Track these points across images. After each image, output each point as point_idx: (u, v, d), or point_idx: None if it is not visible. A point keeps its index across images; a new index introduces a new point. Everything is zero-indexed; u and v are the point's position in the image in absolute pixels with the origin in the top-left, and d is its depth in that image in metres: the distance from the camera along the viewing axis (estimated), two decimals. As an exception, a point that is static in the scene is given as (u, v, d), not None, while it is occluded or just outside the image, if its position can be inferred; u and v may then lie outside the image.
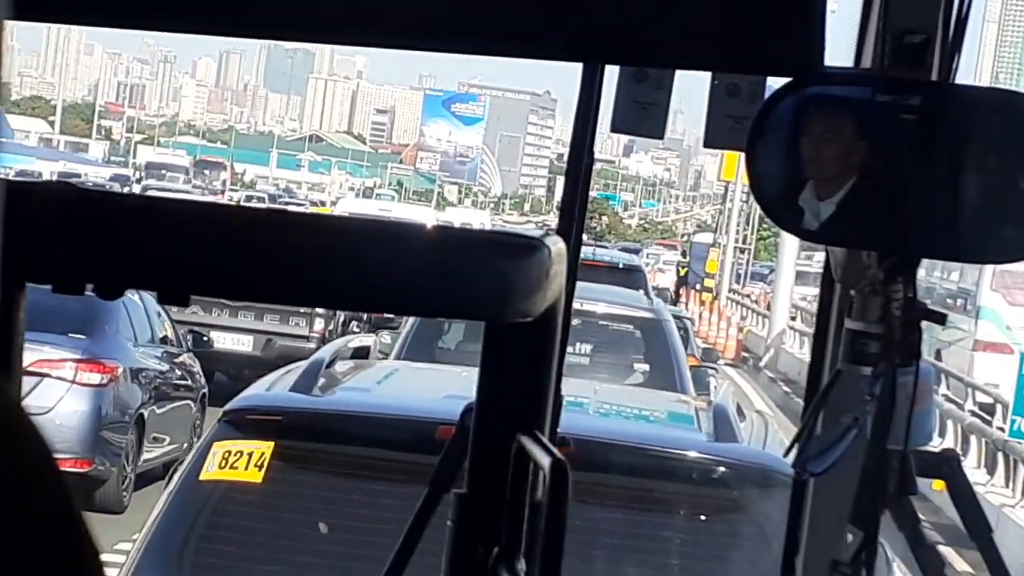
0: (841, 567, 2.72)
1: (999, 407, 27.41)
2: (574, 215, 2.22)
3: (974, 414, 28.36)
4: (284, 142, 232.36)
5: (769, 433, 7.08)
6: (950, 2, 2.69)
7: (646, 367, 14.46)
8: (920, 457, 2.66)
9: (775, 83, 2.70)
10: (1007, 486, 23.20)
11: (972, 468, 23.98)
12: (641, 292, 20.25)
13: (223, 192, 78.04)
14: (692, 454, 6.22)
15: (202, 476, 5.94)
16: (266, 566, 5.90)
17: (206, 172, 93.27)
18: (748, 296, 58.71)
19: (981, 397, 30.33)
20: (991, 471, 24.36)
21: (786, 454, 2.83)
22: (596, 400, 7.41)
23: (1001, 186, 2.58)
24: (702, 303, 54.45)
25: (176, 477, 6.15)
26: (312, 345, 17.55)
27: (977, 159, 2.58)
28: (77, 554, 0.94)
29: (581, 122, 2.41)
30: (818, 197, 2.58)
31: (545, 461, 1.54)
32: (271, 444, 5.93)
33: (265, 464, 5.89)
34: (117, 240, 1.46)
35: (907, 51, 2.72)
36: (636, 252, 57.92)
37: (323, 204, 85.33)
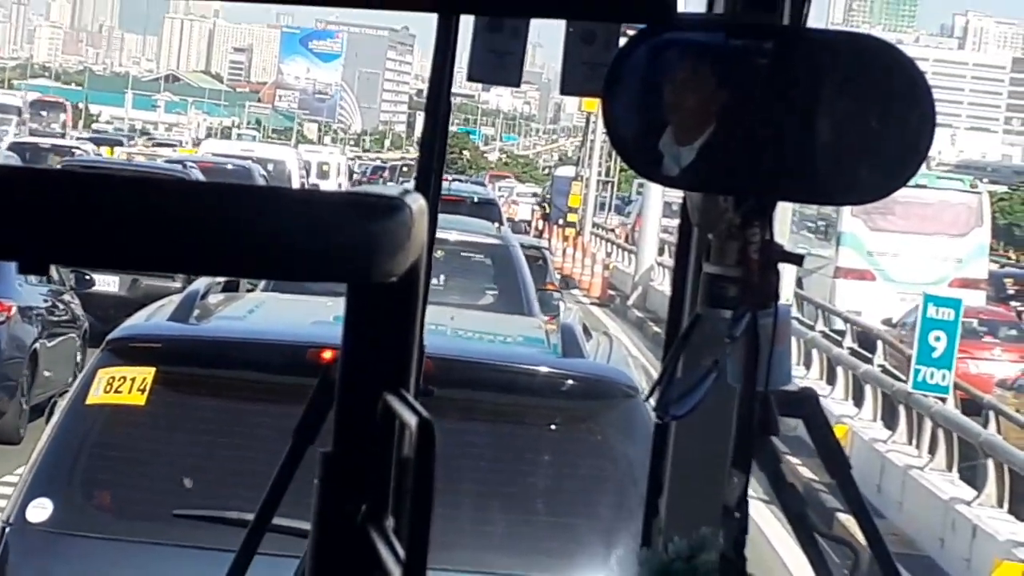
0: (731, 511, 2.74)
1: (880, 344, 27.13)
2: (432, 171, 2.22)
3: (853, 352, 27.72)
4: (140, 83, 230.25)
5: (613, 350, 7.72)
6: (800, -54, 2.71)
7: (496, 291, 15.76)
8: (780, 397, 2.68)
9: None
10: (911, 443, 20.99)
11: (869, 422, 22.81)
12: (495, 224, 21.14)
13: (63, 135, 71.27)
14: (542, 369, 6.84)
15: (88, 400, 6.41)
16: (151, 482, 6.41)
17: (43, 113, 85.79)
18: (613, 231, 57.53)
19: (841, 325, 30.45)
20: (890, 425, 22.06)
21: (647, 398, 2.87)
22: (452, 324, 7.86)
23: (855, 127, 2.60)
24: (565, 239, 52.87)
25: (62, 404, 6.61)
26: (178, 284, 17.61)
27: (830, 101, 2.59)
28: None
29: (437, 73, 2.41)
30: (678, 143, 2.59)
31: (411, 419, 1.55)
32: (152, 370, 6.39)
33: (147, 388, 6.36)
34: None
35: (758, -4, 2.75)
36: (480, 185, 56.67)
37: (182, 144, 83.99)
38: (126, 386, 6.41)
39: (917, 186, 35.31)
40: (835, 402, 23.82)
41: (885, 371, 25.06)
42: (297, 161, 51.06)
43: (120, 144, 69.71)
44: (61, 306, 19.14)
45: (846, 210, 35.44)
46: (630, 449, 6.32)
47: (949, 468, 19.29)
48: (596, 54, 2.92)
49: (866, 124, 2.59)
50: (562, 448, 6.61)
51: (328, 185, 54.82)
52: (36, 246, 1.47)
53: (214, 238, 1.47)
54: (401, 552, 1.54)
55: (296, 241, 1.50)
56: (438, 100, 2.21)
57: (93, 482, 6.43)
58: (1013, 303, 39.42)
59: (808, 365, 27.54)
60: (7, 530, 6.19)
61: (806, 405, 2.74)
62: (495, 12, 2.59)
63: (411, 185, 2.51)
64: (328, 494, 1.76)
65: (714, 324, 2.70)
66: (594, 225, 57.07)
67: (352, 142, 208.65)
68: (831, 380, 26.56)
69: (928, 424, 20.18)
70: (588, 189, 57.07)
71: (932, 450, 19.78)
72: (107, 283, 23.23)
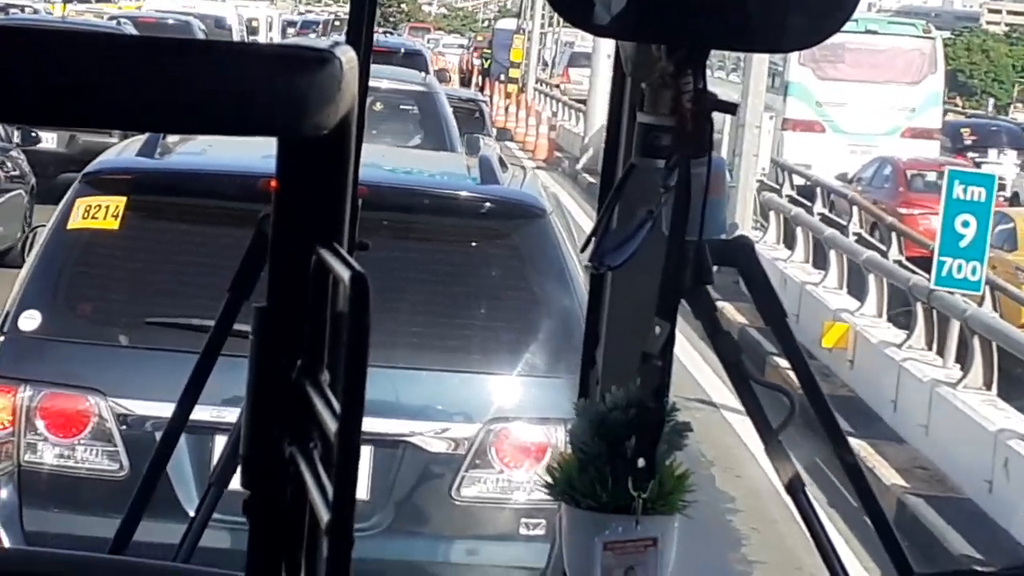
0: (652, 359, 2.76)
1: (856, 211, 25.85)
2: (363, 23, 2.19)
3: (792, 200, 27.25)
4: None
5: (527, 179, 8.81)
6: None
7: (422, 134, 17.24)
8: (714, 246, 2.69)
9: None
10: (930, 349, 17.00)
11: (873, 318, 18.58)
12: (423, 73, 22.88)
13: None
14: (463, 194, 7.86)
15: (68, 226, 7.30)
16: (126, 295, 7.38)
17: None
18: (558, 87, 55.18)
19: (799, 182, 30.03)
20: (907, 327, 17.71)
21: (583, 249, 2.86)
22: (383, 161, 8.60)
23: (786, -27, 2.59)
24: (507, 96, 50.61)
25: (43, 232, 7.55)
26: (114, 140, 17.80)
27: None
28: None
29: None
30: (608, -8, 2.58)
31: (345, 274, 1.54)
32: (124, 198, 7.28)
33: (120, 214, 7.25)
34: None
35: None
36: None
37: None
38: (101, 213, 7.28)
39: (868, 32, 34.93)
40: (828, 291, 20.52)
41: (861, 240, 23.83)
42: (236, 16, 50.88)
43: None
44: (9, 163, 19.70)
45: (793, 59, 34.54)
46: (540, 262, 7.43)
47: (988, 387, 15.24)
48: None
49: (797, -30, 2.58)
50: (481, 261, 7.58)
51: (260, 39, 54.63)
52: None
53: (142, 94, 1.46)
54: (337, 406, 1.54)
55: (223, 95, 1.48)
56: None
57: (75, 296, 7.40)
58: (970, 154, 38.76)
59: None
60: (4, 339, 7.14)
61: (741, 254, 2.75)
62: None
63: (342, 38, 2.49)
64: (263, 349, 1.75)
65: (648, 174, 2.69)
66: (538, 81, 55.04)
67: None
68: (790, 244, 24.65)
69: (954, 329, 16.19)
70: (531, 43, 54.96)
71: (961, 361, 15.80)
72: (48, 140, 23.35)
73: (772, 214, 25.12)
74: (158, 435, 3.45)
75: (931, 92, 37.12)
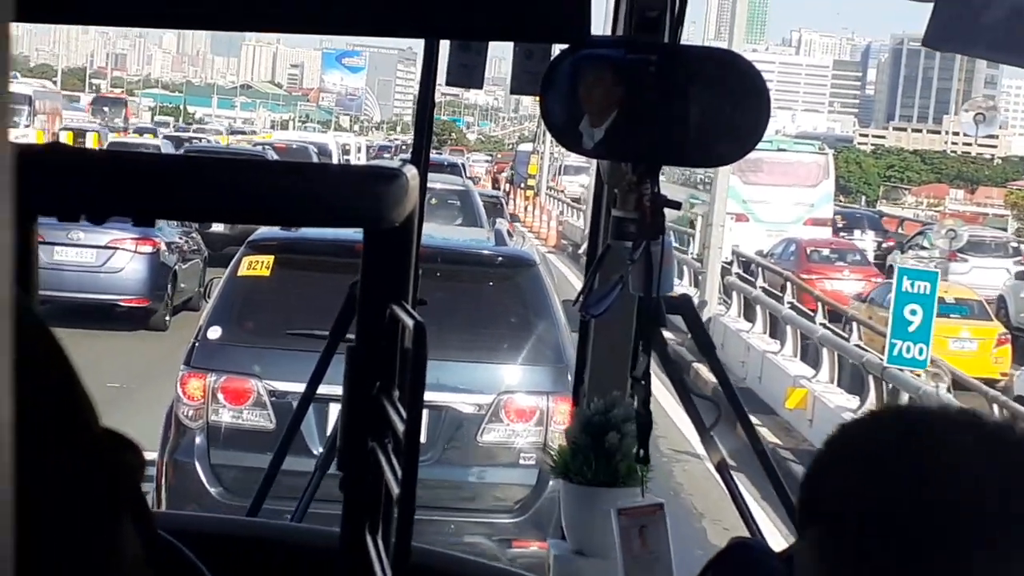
0: (639, 380, 2.76)
1: (790, 286, 23.35)
2: (422, 147, 2.21)
3: (740, 276, 25.88)
4: (223, 90, 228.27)
5: (526, 243, 9.98)
6: (676, -14, 2.71)
7: (462, 216, 18.26)
8: (666, 301, 2.70)
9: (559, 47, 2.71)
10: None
11: (825, 384, 16.64)
12: (461, 177, 25.85)
13: (125, 129, 60.58)
14: (484, 252, 8.79)
15: (239, 274, 8.16)
16: (272, 317, 8.06)
17: (105, 109, 74.71)
18: (563, 192, 54.26)
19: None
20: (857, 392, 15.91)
21: (574, 303, 2.87)
22: (437, 232, 9.64)
23: (716, 114, 2.60)
24: (526, 199, 50.27)
25: (222, 281, 8.37)
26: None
27: (699, 95, 2.59)
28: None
29: (424, 80, 2.39)
30: (592, 125, 2.60)
31: (410, 323, 1.56)
32: (273, 256, 8.13)
33: (270, 266, 8.10)
34: (96, 183, 1.47)
35: (647, 23, 2.74)
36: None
37: (254, 132, 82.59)
38: (259, 265, 8.15)
39: (779, 149, 34.67)
40: (786, 359, 18.33)
41: (794, 308, 23.11)
42: (335, 143, 50.94)
43: (183, 143, 66.02)
44: (191, 241, 20.18)
45: (725, 169, 34.30)
46: (532, 295, 8.22)
47: None
48: (535, 65, 2.91)
49: (722, 111, 2.60)
50: (495, 296, 8.24)
51: (351, 158, 55.28)
52: (147, 209, 1.50)
53: (277, 200, 1.50)
54: (404, 414, 1.56)
55: (331, 200, 1.52)
56: (426, 99, 2.20)
57: (242, 316, 8.16)
58: (842, 233, 38.50)
59: (680, 275, 25.88)
60: (196, 344, 7.99)
61: (684, 305, 2.76)
62: (462, 37, 2.59)
63: (408, 156, 2.53)
64: (353, 374, 1.77)
65: (620, 251, 2.71)
66: (549, 188, 53.69)
67: (374, 129, 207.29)
68: (696, 284, 24.65)
69: (904, 399, 14.19)
70: (543, 160, 53.48)
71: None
72: (217, 224, 23.66)
73: (735, 293, 23.18)
74: (293, 403, 3.64)
75: (825, 192, 36.60)
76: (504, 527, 7.78)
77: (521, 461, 7.82)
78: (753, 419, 13.58)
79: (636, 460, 2.79)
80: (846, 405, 15.51)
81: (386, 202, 1.54)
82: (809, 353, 18.26)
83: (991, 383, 18.30)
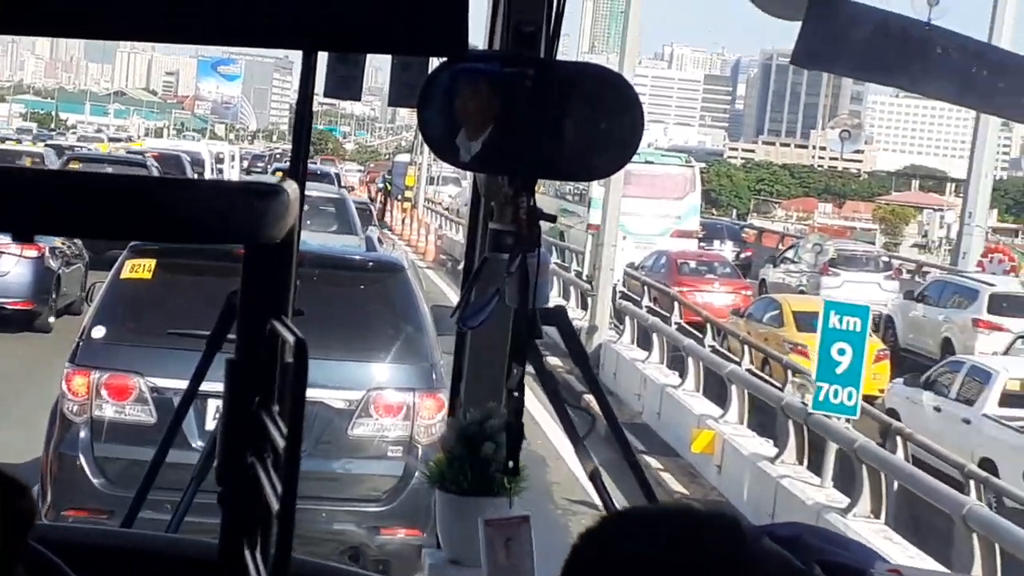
0: (512, 392, 2.78)
1: (677, 306, 23.19)
2: (300, 160, 2.20)
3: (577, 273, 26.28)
4: (96, 96, 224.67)
5: (395, 248, 11.75)
6: (551, 2, 2.72)
7: (337, 223, 18.85)
8: (542, 312, 2.71)
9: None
10: (801, 464, 13.08)
11: (735, 425, 14.50)
12: (335, 186, 27.64)
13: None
14: (356, 257, 9.56)
15: (121, 276, 8.41)
16: (155, 317, 8.27)
17: None
18: (440, 204, 52.77)
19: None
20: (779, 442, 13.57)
21: (452, 315, 2.87)
22: (313, 238, 10.51)
23: (589, 127, 2.63)
24: (403, 211, 49.31)
25: (105, 283, 8.57)
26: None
27: (574, 110, 2.60)
28: None
29: (302, 93, 2.38)
30: (469, 139, 2.60)
31: (291, 338, 1.56)
32: (155, 260, 8.35)
33: (152, 269, 8.34)
34: None
35: (523, 37, 2.76)
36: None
37: (130, 139, 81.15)
38: (141, 268, 8.36)
39: (647, 162, 34.75)
40: (689, 394, 16.17)
41: (624, 296, 22.96)
42: (207, 152, 50.21)
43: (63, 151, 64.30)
44: (73, 245, 20.52)
45: (595, 183, 34.24)
46: (400, 298, 8.56)
47: (876, 515, 11.50)
48: (412, 77, 2.91)
49: (596, 126, 2.62)
50: (366, 299, 8.54)
51: (225, 167, 54.57)
52: (24, 226, 1.48)
53: (158, 217, 1.49)
54: (284, 429, 1.55)
55: (212, 217, 1.51)
56: (303, 112, 2.20)
57: (125, 317, 8.40)
58: (701, 243, 38.57)
59: (567, 297, 25.19)
60: (81, 343, 8.28)
61: (559, 317, 2.78)
62: (340, 49, 2.59)
63: (283, 166, 2.51)
64: (232, 388, 1.77)
65: (497, 264, 2.72)
66: (426, 200, 52.50)
67: (249, 138, 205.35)
68: (584, 307, 23.50)
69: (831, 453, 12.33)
70: (420, 172, 52.59)
71: (842, 485, 12.20)
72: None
73: (627, 319, 21.16)
74: (175, 399, 3.69)
75: (692, 205, 36.62)
76: (373, 515, 8.21)
77: (389, 453, 8.24)
78: (653, 461, 12.99)
79: (504, 471, 2.81)
80: (761, 452, 13.59)
81: (267, 218, 1.54)
82: (712, 386, 16.51)
83: (870, 399, 17.56)
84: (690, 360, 16.89)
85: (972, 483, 11.44)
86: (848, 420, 12.78)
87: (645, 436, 15.89)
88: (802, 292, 30.43)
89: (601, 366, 19.90)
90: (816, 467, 12.80)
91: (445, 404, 8.10)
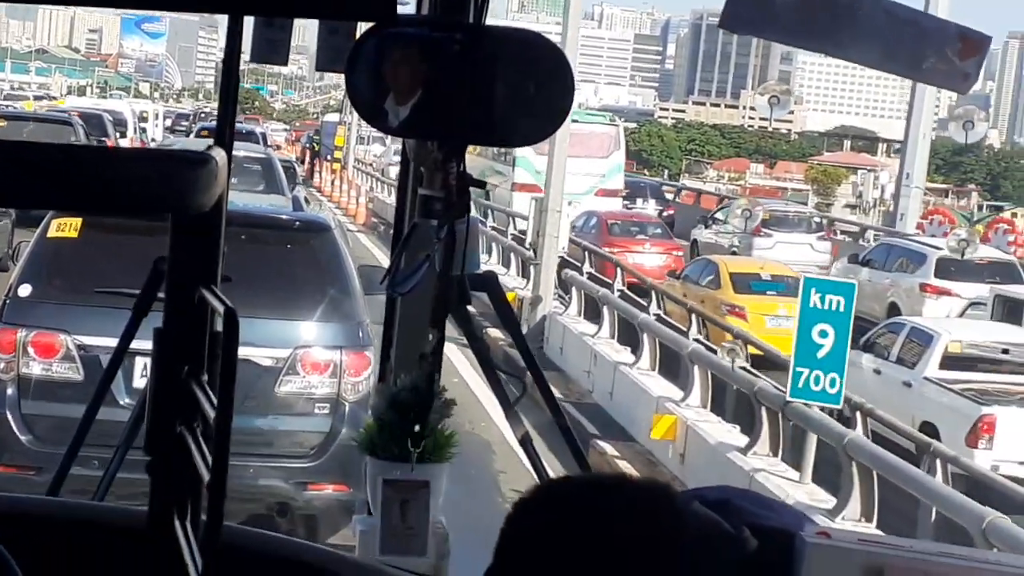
0: (426, 356, 2.79)
1: (620, 271, 22.01)
2: (227, 124, 2.19)
3: (515, 238, 25.94)
4: (18, 54, 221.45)
5: (322, 209, 12.55)
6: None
7: (264, 182, 18.98)
8: (472, 278, 2.72)
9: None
10: (776, 456, 12.15)
11: (697, 409, 13.56)
12: (261, 145, 27.85)
13: None
14: (283, 217, 9.80)
15: (48, 235, 8.55)
16: (82, 275, 8.34)
17: None
18: (371, 165, 52.31)
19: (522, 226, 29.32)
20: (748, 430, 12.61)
21: (381, 282, 2.87)
22: (240, 198, 11.19)
23: (519, 92, 2.62)
24: (333, 172, 48.07)
25: (32, 242, 8.68)
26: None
27: (504, 75, 2.60)
28: None
29: (228, 57, 2.36)
30: (397, 104, 2.59)
31: (220, 308, 1.55)
32: (81, 219, 8.35)
33: (79, 228, 8.43)
34: None
35: (452, 2, 2.76)
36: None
37: (52, 98, 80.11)
38: (67, 227, 8.46)
39: (573, 121, 34.85)
40: (643, 373, 15.29)
41: (564, 262, 21.93)
42: (130, 111, 49.57)
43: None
44: None
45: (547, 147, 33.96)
46: (327, 257, 8.68)
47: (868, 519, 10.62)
48: (340, 42, 2.90)
49: (527, 90, 2.62)
50: (293, 258, 8.66)
51: (149, 126, 54.01)
52: None
53: (81, 185, 1.47)
54: (214, 399, 1.55)
55: (139, 187, 1.50)
56: (229, 76, 2.18)
57: (52, 275, 8.50)
58: (625, 202, 38.18)
59: (507, 265, 24.53)
60: (7, 301, 8.43)
61: (489, 282, 2.79)
62: (267, 13, 2.57)
63: (208, 125, 2.49)
64: (161, 358, 1.76)
65: (426, 230, 2.72)
66: (357, 161, 51.50)
67: (175, 96, 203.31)
68: (507, 264, 23.96)
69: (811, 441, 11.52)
70: (350, 132, 50.79)
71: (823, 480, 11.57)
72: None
73: (574, 289, 19.99)
74: (102, 357, 3.78)
75: (616, 163, 36.66)
76: (300, 471, 8.36)
77: (316, 410, 8.43)
78: (608, 447, 12.67)
79: (413, 435, 2.85)
80: (729, 441, 12.60)
81: (195, 188, 1.53)
82: (665, 361, 15.60)
83: None
84: (645, 336, 15.80)
85: (936, 461, 10.68)
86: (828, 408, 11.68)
87: (598, 418, 15.18)
88: (734, 253, 30.44)
89: (546, 340, 19.37)
90: (795, 460, 11.96)
91: (372, 362, 8.51)
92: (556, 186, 20.86)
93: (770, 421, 12.22)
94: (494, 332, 15.84)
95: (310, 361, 8.42)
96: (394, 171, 51.89)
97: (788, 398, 11.78)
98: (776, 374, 14.29)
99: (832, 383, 11.49)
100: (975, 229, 33.89)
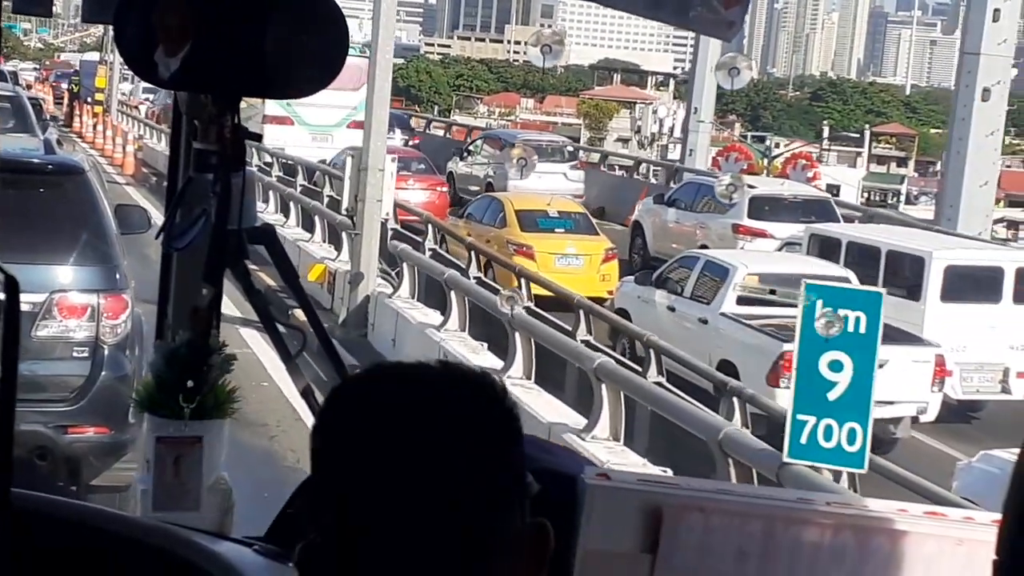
0: (200, 311, 2.78)
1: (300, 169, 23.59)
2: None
3: (280, 179, 25.65)
4: None
5: (78, 154, 10.48)
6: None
7: (14, 120, 18.36)
8: (249, 232, 2.69)
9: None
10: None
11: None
12: (10, 83, 26.14)
13: None
14: (35, 160, 9.20)
15: None
16: None
17: None
18: (136, 108, 50.12)
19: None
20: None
21: (157, 236, 2.83)
22: None
23: (293, 43, 2.60)
24: (95, 116, 45.79)
25: None
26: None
27: (276, 25, 2.57)
28: None
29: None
30: (167, 55, 2.55)
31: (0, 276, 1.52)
32: None
33: None
34: None
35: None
36: None
37: None
38: None
39: (322, 52, 34.44)
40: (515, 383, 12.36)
41: (332, 203, 21.29)
42: None
43: None
44: None
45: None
46: (82, 201, 8.62)
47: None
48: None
49: (300, 41, 2.61)
50: (46, 202, 8.57)
51: None
52: None
53: None
54: None
55: None
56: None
57: None
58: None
59: (310, 230, 22.35)
60: None
61: (267, 236, 2.77)
62: None
63: None
64: None
65: (202, 184, 2.69)
66: (121, 104, 49.69)
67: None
68: (339, 246, 19.86)
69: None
70: (113, 72, 48.26)
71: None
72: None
73: (405, 265, 16.95)
74: None
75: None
76: (60, 415, 8.40)
77: (74, 354, 8.49)
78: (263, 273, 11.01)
79: (183, 391, 2.85)
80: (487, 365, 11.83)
81: None
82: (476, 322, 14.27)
83: (599, 301, 16.99)
84: (518, 336, 13.07)
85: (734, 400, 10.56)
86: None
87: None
88: (490, 185, 30.76)
89: (371, 326, 16.81)
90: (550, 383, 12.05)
91: (130, 304, 8.63)
92: (377, 139, 17.85)
93: (524, 345, 12.48)
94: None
95: (67, 305, 8.48)
96: (144, 109, 50.04)
97: (785, 459, 8.47)
98: (563, 315, 14.50)
99: (851, 437, 8.10)
100: (759, 166, 34.54)
